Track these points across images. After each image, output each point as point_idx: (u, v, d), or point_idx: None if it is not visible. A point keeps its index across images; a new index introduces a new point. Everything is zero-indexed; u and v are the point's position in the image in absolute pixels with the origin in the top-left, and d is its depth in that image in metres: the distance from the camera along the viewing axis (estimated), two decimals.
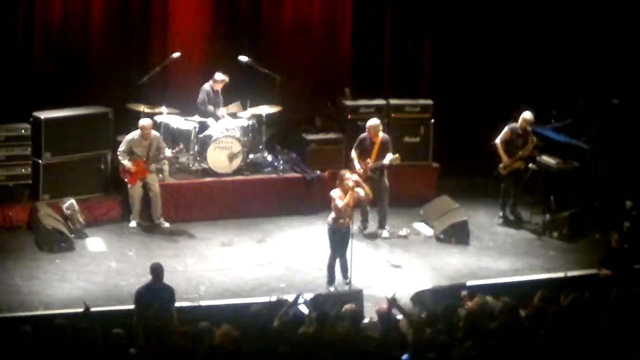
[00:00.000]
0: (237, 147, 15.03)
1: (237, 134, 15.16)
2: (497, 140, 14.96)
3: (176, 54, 15.38)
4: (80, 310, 10.46)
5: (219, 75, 15.39)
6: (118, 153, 14.35)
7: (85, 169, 14.64)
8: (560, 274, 12.66)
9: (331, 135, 15.95)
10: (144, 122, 14.37)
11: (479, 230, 14.86)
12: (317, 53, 17.13)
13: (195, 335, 9.49)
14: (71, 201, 14.10)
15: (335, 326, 9.85)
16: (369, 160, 14.30)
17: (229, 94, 15.58)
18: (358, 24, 17.25)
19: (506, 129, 14.99)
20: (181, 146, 14.83)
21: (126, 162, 14.25)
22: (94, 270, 13.07)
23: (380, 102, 16.02)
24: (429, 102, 16.11)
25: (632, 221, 14.47)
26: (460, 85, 17.54)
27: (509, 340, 9.56)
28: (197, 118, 15.28)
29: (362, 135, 14.54)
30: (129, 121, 14.97)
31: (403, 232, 14.72)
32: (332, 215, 12.71)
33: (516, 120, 15.04)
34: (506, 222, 15.14)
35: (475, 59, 17.52)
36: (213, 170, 15.01)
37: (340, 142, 15.76)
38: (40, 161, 14.30)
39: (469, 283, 12.20)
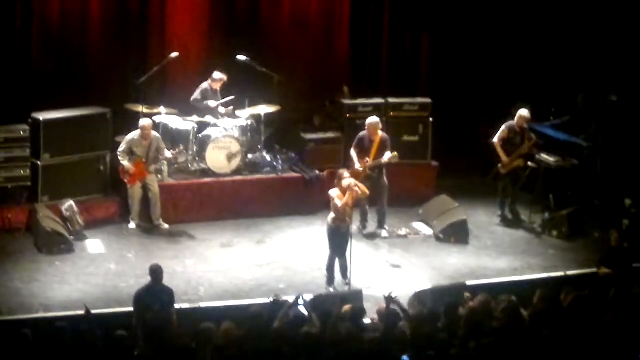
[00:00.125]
0: (235, 147, 15.02)
1: (236, 133, 15.16)
2: (495, 139, 14.94)
3: (174, 54, 15.35)
4: (81, 312, 10.46)
5: (218, 74, 15.39)
6: (118, 153, 14.34)
7: (84, 170, 14.63)
8: (560, 273, 12.66)
9: (330, 135, 15.95)
10: (144, 122, 14.36)
11: (478, 230, 14.85)
12: (315, 48, 17.16)
13: (198, 335, 9.51)
14: (70, 203, 14.09)
15: (338, 326, 9.86)
16: (367, 158, 14.29)
17: (228, 94, 15.56)
18: (356, 18, 17.26)
19: (503, 127, 14.95)
20: (181, 147, 14.82)
21: (126, 163, 14.24)
22: (93, 272, 13.06)
23: (378, 100, 16.01)
24: (428, 100, 16.09)
25: (632, 219, 14.47)
26: (459, 82, 17.57)
27: (511, 339, 9.57)
28: (195, 118, 15.27)
29: (361, 133, 14.54)
30: (128, 122, 14.98)
31: (402, 231, 14.72)
32: (332, 215, 12.69)
33: (513, 117, 15.03)
34: (505, 221, 15.12)
35: (474, 55, 17.54)
36: (212, 171, 15.00)
37: (339, 141, 15.76)
38: (39, 163, 14.28)
39: (469, 282, 12.20)
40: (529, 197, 15.45)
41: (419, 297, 11.72)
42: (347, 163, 14.58)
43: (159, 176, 14.72)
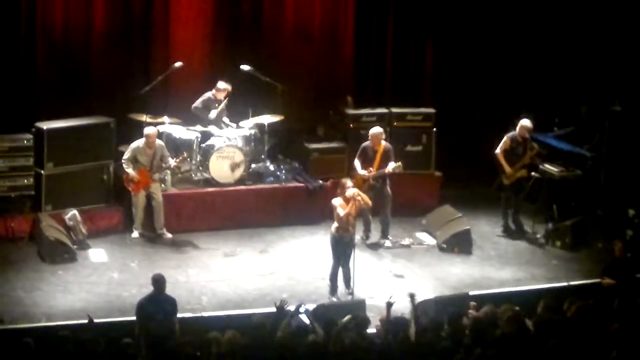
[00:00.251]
0: (239, 157, 15.02)
1: (240, 143, 15.16)
2: (498, 150, 14.93)
3: (178, 64, 15.35)
4: (83, 321, 10.45)
5: (222, 84, 15.39)
6: (122, 161, 14.35)
7: (87, 179, 14.63)
8: (563, 284, 12.64)
9: (333, 144, 15.95)
10: (149, 130, 14.37)
11: (481, 240, 14.84)
12: (319, 58, 17.15)
13: (203, 344, 9.49)
14: (73, 212, 14.09)
15: (342, 336, 9.85)
16: (371, 168, 14.29)
17: (231, 103, 15.56)
18: (360, 28, 17.27)
19: (505, 138, 14.94)
20: (185, 154, 14.80)
21: (130, 171, 14.25)
22: (96, 282, 13.06)
23: (382, 110, 16.01)
24: (431, 110, 16.10)
25: (635, 230, 14.45)
26: (463, 92, 17.55)
27: (516, 348, 9.54)
28: (199, 128, 15.26)
29: (365, 143, 14.54)
30: (131, 131, 14.97)
31: (406, 241, 14.70)
32: (335, 224, 12.68)
33: (516, 128, 15.03)
34: (508, 232, 15.11)
35: (478, 65, 17.53)
36: (215, 180, 15.00)
37: (342, 151, 15.75)
38: (42, 172, 14.29)
39: (472, 293, 12.18)
40: (533, 208, 15.42)
41: (422, 307, 11.69)
42: (351, 173, 14.58)
43: (163, 185, 14.72)
